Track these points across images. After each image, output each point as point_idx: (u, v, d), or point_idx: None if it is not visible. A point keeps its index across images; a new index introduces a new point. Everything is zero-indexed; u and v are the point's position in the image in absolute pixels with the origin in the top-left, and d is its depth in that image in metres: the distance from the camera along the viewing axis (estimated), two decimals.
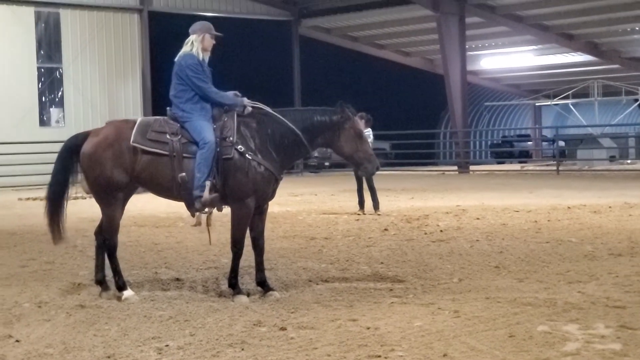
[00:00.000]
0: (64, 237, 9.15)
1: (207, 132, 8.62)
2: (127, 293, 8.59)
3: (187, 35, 9.04)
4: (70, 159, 8.93)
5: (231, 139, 8.65)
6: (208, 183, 8.55)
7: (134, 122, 8.88)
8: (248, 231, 8.89)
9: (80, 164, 8.83)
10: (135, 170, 8.63)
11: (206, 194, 8.58)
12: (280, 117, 8.93)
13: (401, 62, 48.81)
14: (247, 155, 8.64)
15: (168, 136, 8.65)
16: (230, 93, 8.96)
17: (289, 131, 8.88)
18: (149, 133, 8.67)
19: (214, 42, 9.09)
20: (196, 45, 8.92)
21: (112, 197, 8.70)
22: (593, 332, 6.68)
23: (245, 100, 8.91)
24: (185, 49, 8.95)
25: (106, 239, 8.80)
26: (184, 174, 8.60)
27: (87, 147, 8.76)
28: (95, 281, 8.94)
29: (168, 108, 8.97)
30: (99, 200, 8.84)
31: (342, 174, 35.78)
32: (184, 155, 8.65)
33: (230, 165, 8.63)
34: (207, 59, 9.03)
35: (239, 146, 8.64)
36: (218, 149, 8.58)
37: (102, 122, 9.30)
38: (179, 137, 8.68)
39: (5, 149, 29.18)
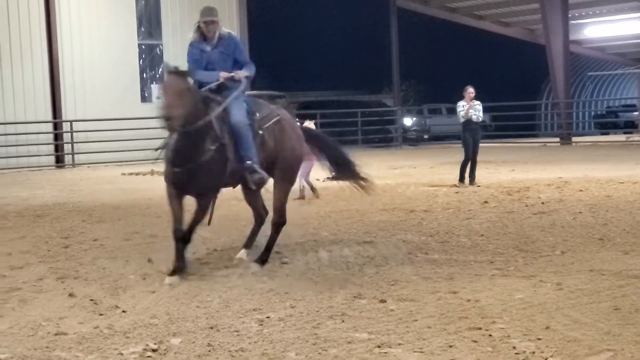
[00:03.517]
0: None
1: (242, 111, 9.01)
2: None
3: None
4: None
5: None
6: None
7: None
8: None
9: None
10: None
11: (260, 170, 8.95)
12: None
13: (501, 32, 48.04)
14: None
15: None
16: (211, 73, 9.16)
17: None
18: None
19: (212, 27, 9.16)
20: (194, 30, 9.24)
21: None
22: None
23: (223, 74, 9.03)
24: (228, 29, 9.40)
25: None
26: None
27: None
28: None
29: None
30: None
31: (441, 147, 35.52)
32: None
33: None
34: (215, 43, 9.18)
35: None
36: None
37: None
38: None
39: (108, 125, 29.79)
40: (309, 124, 15.84)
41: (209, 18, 9.12)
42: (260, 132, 8.86)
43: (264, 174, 8.78)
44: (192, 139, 8.29)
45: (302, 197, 15.55)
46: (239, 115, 8.69)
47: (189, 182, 8.39)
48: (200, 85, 8.87)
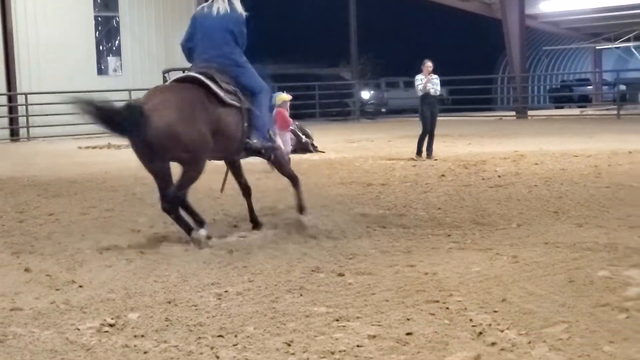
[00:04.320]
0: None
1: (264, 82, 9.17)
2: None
3: None
4: None
5: None
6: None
7: None
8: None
9: None
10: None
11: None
12: None
13: (458, 7, 48.12)
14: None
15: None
16: None
17: None
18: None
19: None
20: (239, 4, 9.14)
21: None
22: None
23: None
24: (237, 7, 9.11)
25: None
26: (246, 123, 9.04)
27: None
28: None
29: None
30: None
31: (398, 121, 35.61)
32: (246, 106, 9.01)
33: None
34: None
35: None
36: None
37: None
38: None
39: (64, 98, 29.48)
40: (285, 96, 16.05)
41: None
42: None
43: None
44: None
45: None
46: None
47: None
48: None
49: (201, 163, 8.64)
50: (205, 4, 9.22)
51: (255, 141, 9.02)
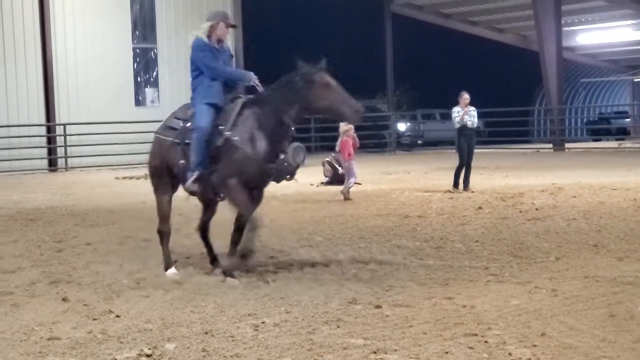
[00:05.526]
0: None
1: (202, 117, 8.66)
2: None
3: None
4: None
5: (221, 127, 8.59)
6: (196, 173, 8.64)
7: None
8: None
9: None
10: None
11: (189, 183, 8.74)
12: (266, 94, 8.82)
13: (495, 39, 48.15)
14: (234, 141, 8.52)
15: (180, 123, 8.92)
16: (244, 71, 9.24)
17: (272, 108, 8.67)
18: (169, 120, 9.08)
19: (228, 31, 9.18)
20: (205, 31, 8.94)
21: None
22: None
23: (254, 76, 8.86)
24: (196, 33, 9.01)
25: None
26: (183, 161, 8.74)
27: None
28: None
29: None
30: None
31: (434, 152, 35.53)
32: (186, 141, 8.76)
33: (220, 151, 8.59)
34: (224, 46, 9.17)
35: (228, 133, 8.53)
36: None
37: None
38: (189, 123, 8.82)
39: (102, 129, 29.74)
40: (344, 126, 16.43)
41: (234, 22, 9.33)
42: None
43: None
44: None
45: (347, 198, 16.26)
46: None
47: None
48: (226, 83, 8.91)
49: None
50: None
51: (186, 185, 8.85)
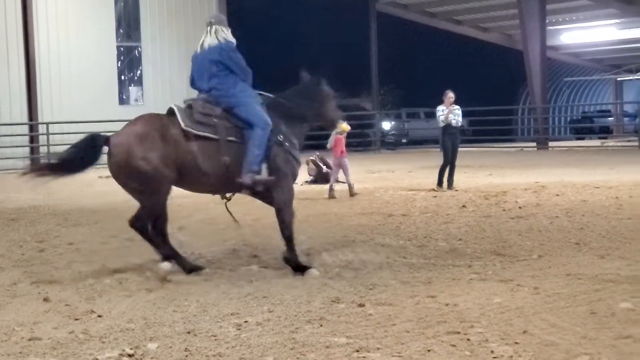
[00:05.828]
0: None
1: (262, 114, 8.82)
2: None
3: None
4: None
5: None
6: (265, 165, 8.74)
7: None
8: None
9: None
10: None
11: (264, 173, 8.74)
12: (287, 102, 9.23)
13: (479, 37, 48.27)
14: (283, 142, 8.94)
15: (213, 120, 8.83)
16: None
17: (298, 114, 9.22)
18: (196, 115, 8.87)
19: None
20: (229, 33, 9.20)
21: None
22: None
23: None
24: (225, 35, 9.18)
25: None
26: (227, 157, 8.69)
27: None
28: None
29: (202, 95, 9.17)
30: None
31: (419, 151, 35.57)
32: (229, 138, 8.77)
33: (275, 150, 8.88)
34: None
35: (279, 135, 8.92)
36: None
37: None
38: (224, 120, 8.84)
39: (85, 127, 29.59)
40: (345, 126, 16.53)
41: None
42: None
43: None
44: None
45: (332, 196, 16.36)
46: None
47: None
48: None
49: (155, 195, 8.69)
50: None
51: (244, 178, 8.68)
